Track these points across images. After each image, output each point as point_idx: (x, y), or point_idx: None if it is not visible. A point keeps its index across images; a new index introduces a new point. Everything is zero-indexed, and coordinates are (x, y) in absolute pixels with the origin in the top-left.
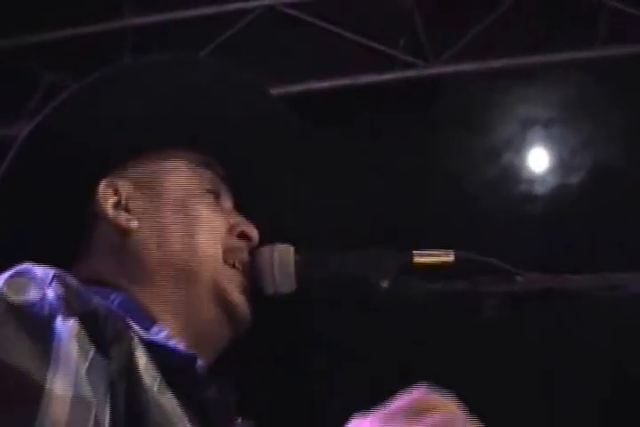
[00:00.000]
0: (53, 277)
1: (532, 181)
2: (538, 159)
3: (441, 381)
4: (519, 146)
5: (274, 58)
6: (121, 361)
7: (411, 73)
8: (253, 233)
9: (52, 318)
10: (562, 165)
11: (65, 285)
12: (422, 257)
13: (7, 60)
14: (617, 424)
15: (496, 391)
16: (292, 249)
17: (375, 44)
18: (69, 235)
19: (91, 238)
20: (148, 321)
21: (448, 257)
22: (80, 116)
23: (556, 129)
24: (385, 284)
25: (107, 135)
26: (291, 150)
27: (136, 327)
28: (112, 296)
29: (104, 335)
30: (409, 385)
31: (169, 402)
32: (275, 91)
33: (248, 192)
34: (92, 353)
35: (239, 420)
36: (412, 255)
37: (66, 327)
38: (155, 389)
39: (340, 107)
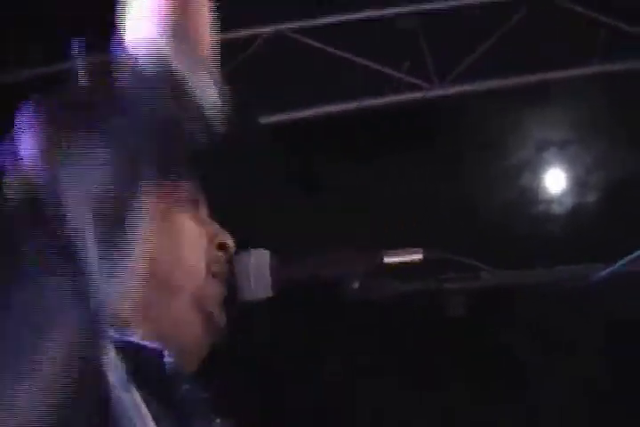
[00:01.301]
0: None
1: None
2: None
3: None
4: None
5: (281, 83)
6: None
7: (416, 95)
8: (231, 244)
9: None
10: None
11: None
12: (392, 257)
13: None
14: (592, 416)
15: (467, 385)
16: (267, 254)
17: (380, 67)
18: None
19: None
20: (123, 326)
21: (417, 256)
22: None
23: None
24: (355, 284)
25: None
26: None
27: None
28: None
29: None
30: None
31: (131, 398)
32: (282, 116)
33: (218, 198)
34: None
35: (217, 420)
36: (381, 255)
37: None
38: (117, 385)
39: (347, 131)
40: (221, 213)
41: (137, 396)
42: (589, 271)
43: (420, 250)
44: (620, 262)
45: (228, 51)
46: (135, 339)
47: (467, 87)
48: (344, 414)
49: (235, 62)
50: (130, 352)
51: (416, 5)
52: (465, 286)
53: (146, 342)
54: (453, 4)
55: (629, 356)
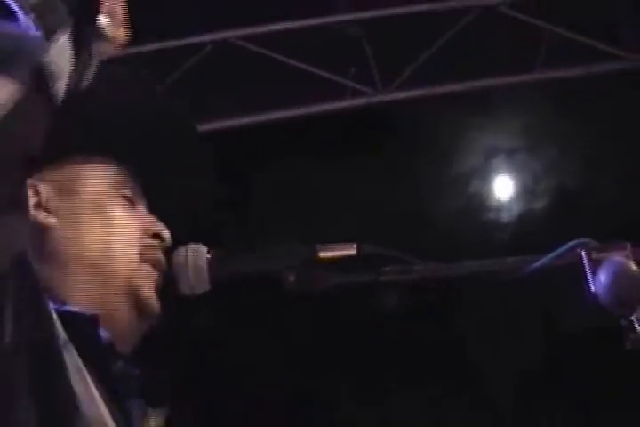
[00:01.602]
0: None
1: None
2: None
3: (348, 368)
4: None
5: (228, 90)
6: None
7: (361, 101)
8: (166, 234)
9: None
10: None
11: None
12: (326, 251)
13: None
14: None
15: (405, 377)
16: (204, 249)
17: (325, 73)
18: None
19: None
20: (60, 303)
21: (351, 250)
22: None
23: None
24: (291, 277)
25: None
26: (189, 147)
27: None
28: None
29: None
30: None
31: (72, 358)
32: (226, 123)
33: (158, 195)
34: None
35: (149, 409)
36: (317, 250)
37: None
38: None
39: (292, 136)
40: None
41: (77, 358)
42: (522, 263)
43: (354, 245)
44: (553, 254)
45: (175, 58)
46: (72, 308)
47: (412, 93)
48: (284, 406)
49: (181, 69)
50: (66, 318)
51: (360, 13)
52: (399, 278)
53: (82, 310)
54: (397, 11)
55: (566, 342)
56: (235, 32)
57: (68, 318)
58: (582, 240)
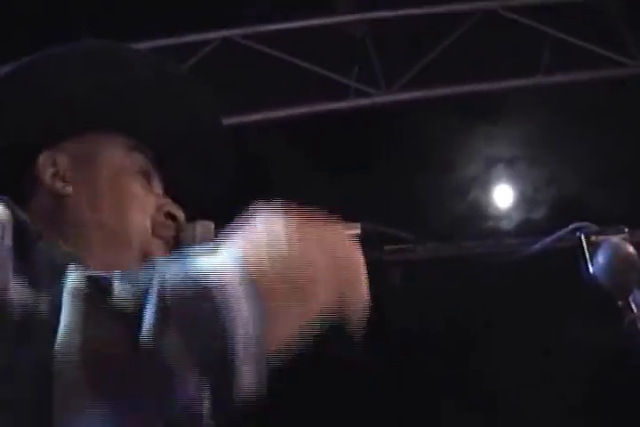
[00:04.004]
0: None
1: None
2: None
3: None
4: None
5: (231, 88)
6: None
7: (365, 101)
8: (180, 214)
9: None
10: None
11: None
12: None
13: None
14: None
15: (404, 356)
16: (212, 225)
17: (329, 73)
18: (10, 194)
19: (29, 204)
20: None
21: (355, 230)
22: (26, 90)
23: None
24: None
25: (49, 113)
26: (214, 137)
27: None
28: None
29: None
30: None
31: None
32: (232, 120)
33: (176, 176)
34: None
35: None
36: None
37: None
38: None
39: (297, 135)
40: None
41: None
42: (522, 245)
43: (358, 224)
44: (552, 237)
45: (179, 55)
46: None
47: (414, 94)
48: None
49: (185, 66)
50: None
51: (365, 14)
52: (402, 257)
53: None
54: (402, 13)
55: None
56: (239, 30)
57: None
58: (581, 224)
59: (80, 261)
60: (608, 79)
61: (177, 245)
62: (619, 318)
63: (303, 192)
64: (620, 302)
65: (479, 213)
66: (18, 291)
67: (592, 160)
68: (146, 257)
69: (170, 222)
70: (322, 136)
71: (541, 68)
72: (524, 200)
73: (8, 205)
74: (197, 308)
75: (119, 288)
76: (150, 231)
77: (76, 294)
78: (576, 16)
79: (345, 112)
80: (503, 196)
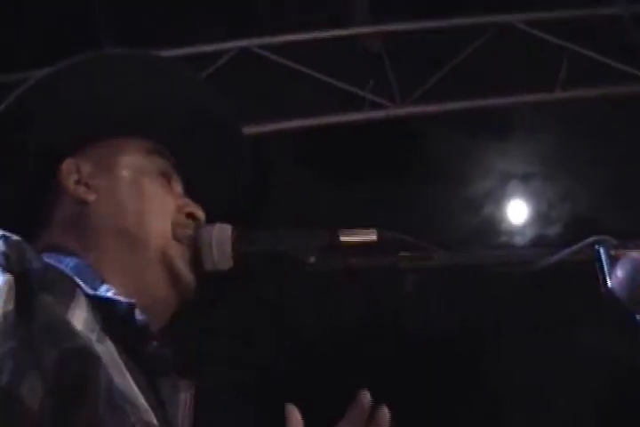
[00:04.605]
0: (1, 236)
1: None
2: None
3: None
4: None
5: (246, 98)
6: (47, 312)
7: (379, 113)
8: (201, 214)
9: None
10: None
11: (10, 243)
12: (348, 236)
13: None
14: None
15: (414, 360)
16: (229, 228)
17: (344, 85)
18: (33, 207)
19: (52, 210)
20: (98, 281)
21: (372, 236)
22: (49, 99)
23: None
24: (312, 259)
25: (71, 120)
26: (231, 140)
27: (83, 285)
28: (66, 260)
29: (33, 289)
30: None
31: (106, 349)
32: (247, 130)
33: (196, 178)
34: (10, 308)
35: (183, 380)
36: (338, 234)
37: None
38: (93, 338)
39: (311, 146)
40: None
41: (111, 347)
42: (540, 256)
43: (375, 231)
44: (571, 249)
45: (195, 65)
46: (109, 294)
47: (429, 108)
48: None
49: (202, 75)
50: (103, 306)
51: (380, 26)
52: (418, 264)
53: (119, 297)
54: (418, 26)
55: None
56: (256, 41)
57: (105, 306)
58: (601, 237)
59: (99, 271)
60: (625, 95)
61: (193, 245)
62: (636, 331)
63: (315, 203)
64: (638, 317)
65: (492, 227)
66: None
67: (607, 177)
68: (165, 260)
69: (190, 222)
70: (335, 147)
71: (557, 83)
72: (537, 216)
73: (19, 249)
74: None
75: None
76: (170, 234)
77: None
78: (593, 31)
79: (359, 124)
80: (517, 211)
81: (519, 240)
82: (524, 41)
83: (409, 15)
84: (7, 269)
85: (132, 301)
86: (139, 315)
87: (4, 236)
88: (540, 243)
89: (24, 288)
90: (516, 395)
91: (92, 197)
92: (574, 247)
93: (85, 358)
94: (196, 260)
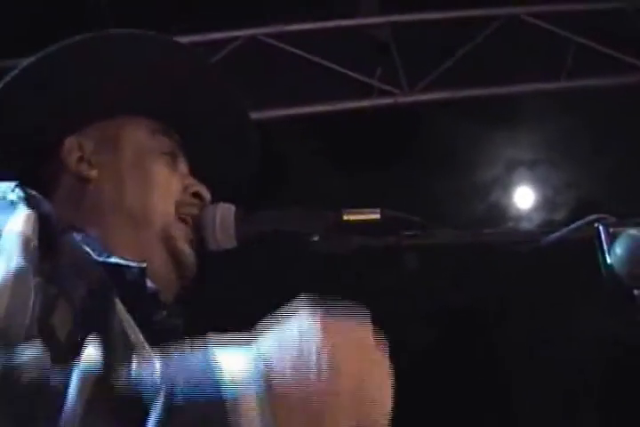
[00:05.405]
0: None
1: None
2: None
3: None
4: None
5: (255, 85)
6: (70, 253)
7: (387, 101)
8: (206, 194)
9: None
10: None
11: (28, 192)
12: (351, 215)
13: None
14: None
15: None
16: (232, 208)
17: (352, 73)
18: (36, 185)
19: (55, 188)
20: (106, 253)
21: (375, 215)
22: (53, 78)
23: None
24: (315, 238)
25: (75, 99)
26: (236, 121)
27: (92, 253)
28: (72, 235)
29: (54, 231)
30: None
31: (121, 309)
32: (256, 116)
33: (201, 158)
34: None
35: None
36: (341, 213)
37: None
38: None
39: (319, 132)
40: None
41: (123, 309)
42: (541, 235)
43: (378, 210)
44: (571, 227)
45: (204, 52)
46: (121, 261)
47: (436, 95)
48: None
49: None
50: (112, 272)
51: (389, 16)
52: (420, 243)
53: (129, 262)
54: (426, 16)
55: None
56: (264, 29)
57: (118, 271)
58: (600, 215)
59: (103, 246)
60: (630, 85)
61: (197, 225)
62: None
63: (323, 189)
64: (636, 292)
65: (500, 213)
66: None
67: (612, 164)
68: (167, 239)
69: (196, 201)
70: (343, 134)
71: (563, 73)
72: (544, 202)
73: (35, 200)
74: (206, 418)
75: (130, 379)
76: (173, 213)
77: (86, 377)
78: (598, 22)
79: (367, 111)
80: (523, 197)
81: (526, 225)
82: (530, 32)
83: (417, 5)
84: (30, 207)
85: (144, 264)
86: (149, 282)
87: (20, 185)
88: (546, 228)
89: (46, 227)
90: (525, 372)
91: (94, 174)
92: (574, 225)
93: (107, 298)
94: (199, 239)
